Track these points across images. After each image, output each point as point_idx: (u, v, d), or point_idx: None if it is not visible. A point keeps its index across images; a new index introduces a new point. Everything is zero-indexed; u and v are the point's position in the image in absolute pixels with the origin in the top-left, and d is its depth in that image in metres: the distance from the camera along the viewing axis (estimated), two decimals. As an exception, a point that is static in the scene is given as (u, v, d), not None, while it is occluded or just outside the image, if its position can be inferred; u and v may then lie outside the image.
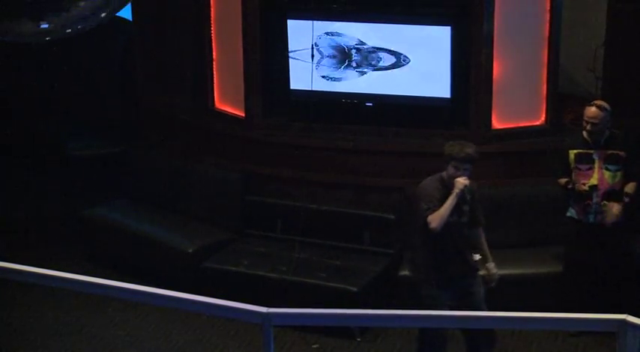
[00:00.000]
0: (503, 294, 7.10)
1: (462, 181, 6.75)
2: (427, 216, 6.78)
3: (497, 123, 8.54)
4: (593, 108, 7.53)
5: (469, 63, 8.41)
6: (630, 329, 4.70)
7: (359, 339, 7.94)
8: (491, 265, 7.04)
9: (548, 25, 8.45)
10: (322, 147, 8.80)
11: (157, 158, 9.59)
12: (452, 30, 8.39)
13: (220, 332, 8.08)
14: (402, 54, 8.56)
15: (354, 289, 7.96)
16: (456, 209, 6.83)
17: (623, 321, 4.72)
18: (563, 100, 8.92)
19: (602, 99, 7.84)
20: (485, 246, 7.08)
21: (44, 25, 7.70)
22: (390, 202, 8.57)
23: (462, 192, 6.77)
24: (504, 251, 7.79)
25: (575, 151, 7.62)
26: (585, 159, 7.58)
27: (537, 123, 8.68)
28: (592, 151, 7.57)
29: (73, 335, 8.12)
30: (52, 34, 8.11)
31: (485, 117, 8.47)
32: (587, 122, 7.53)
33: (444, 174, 6.87)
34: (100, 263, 9.06)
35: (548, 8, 8.42)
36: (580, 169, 7.59)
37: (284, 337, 7.83)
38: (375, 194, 8.66)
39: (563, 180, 7.69)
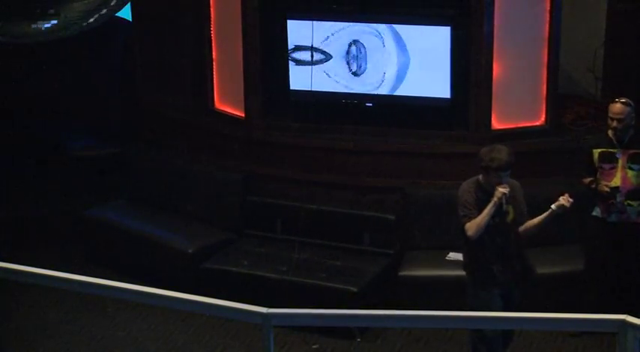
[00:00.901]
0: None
1: (501, 190, 6.69)
2: (464, 224, 6.77)
3: (497, 124, 8.53)
4: (618, 105, 7.48)
5: (469, 63, 8.41)
6: (630, 329, 4.72)
7: (359, 339, 7.94)
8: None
9: (548, 25, 8.43)
10: (322, 147, 8.80)
11: (157, 158, 9.59)
12: (452, 30, 8.39)
13: (220, 332, 8.08)
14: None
15: (354, 289, 7.96)
16: (497, 211, 6.75)
17: (623, 321, 4.74)
18: (563, 100, 8.92)
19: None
20: (534, 220, 6.88)
21: (44, 25, 7.70)
22: (390, 202, 8.57)
23: (501, 200, 6.73)
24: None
25: (599, 150, 7.57)
26: (609, 158, 7.53)
27: (537, 123, 8.67)
28: (615, 150, 7.53)
29: (73, 335, 8.13)
30: (52, 34, 8.12)
31: (485, 118, 8.46)
32: (613, 119, 7.47)
33: (480, 178, 6.81)
34: (100, 263, 9.05)
35: (548, 8, 8.40)
36: (604, 168, 7.54)
37: (284, 337, 7.83)
38: (375, 194, 8.66)
39: (587, 180, 7.62)
